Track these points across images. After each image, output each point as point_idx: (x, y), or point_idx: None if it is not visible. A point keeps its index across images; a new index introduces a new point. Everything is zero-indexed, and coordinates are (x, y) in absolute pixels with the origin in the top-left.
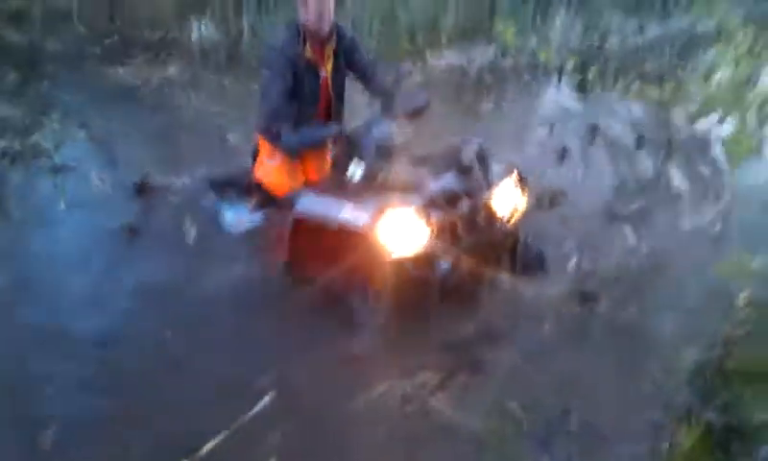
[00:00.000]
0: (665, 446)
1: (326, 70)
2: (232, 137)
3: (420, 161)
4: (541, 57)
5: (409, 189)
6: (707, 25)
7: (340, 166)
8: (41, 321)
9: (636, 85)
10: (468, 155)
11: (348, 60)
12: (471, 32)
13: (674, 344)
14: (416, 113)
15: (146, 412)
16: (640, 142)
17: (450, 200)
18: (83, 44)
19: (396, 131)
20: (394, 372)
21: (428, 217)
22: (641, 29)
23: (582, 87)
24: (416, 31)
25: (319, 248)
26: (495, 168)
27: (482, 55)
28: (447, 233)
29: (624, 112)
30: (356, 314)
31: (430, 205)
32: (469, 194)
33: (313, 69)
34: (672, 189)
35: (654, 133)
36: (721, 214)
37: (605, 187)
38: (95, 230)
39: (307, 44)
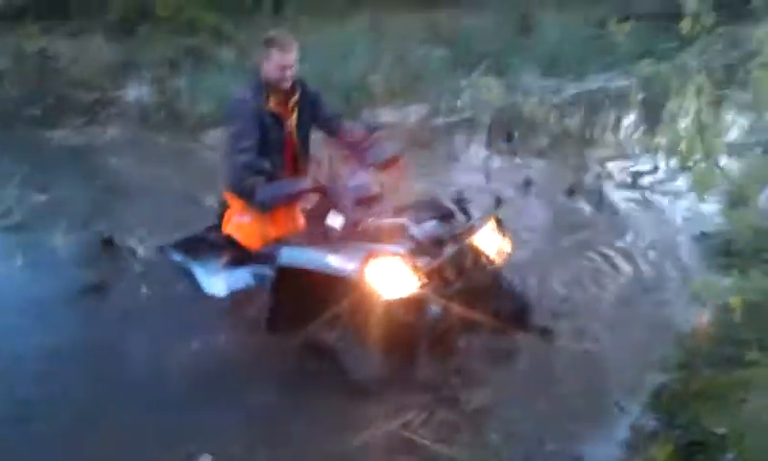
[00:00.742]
0: None
1: (291, 121)
2: (186, 197)
3: (400, 210)
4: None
5: (393, 236)
6: (619, 83)
7: (316, 218)
8: None
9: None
10: (448, 201)
11: (312, 112)
12: (402, 92)
13: (632, 370)
14: (389, 164)
15: None
16: (571, 192)
17: (436, 245)
18: (17, 106)
19: (372, 181)
20: (380, 412)
21: (416, 262)
22: (559, 89)
23: (510, 143)
24: (350, 91)
25: (304, 298)
26: (474, 214)
27: (415, 113)
28: (436, 278)
29: (549, 166)
30: (343, 361)
31: (417, 250)
32: (454, 238)
33: (278, 121)
34: (605, 227)
35: (581, 182)
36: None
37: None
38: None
39: (271, 97)
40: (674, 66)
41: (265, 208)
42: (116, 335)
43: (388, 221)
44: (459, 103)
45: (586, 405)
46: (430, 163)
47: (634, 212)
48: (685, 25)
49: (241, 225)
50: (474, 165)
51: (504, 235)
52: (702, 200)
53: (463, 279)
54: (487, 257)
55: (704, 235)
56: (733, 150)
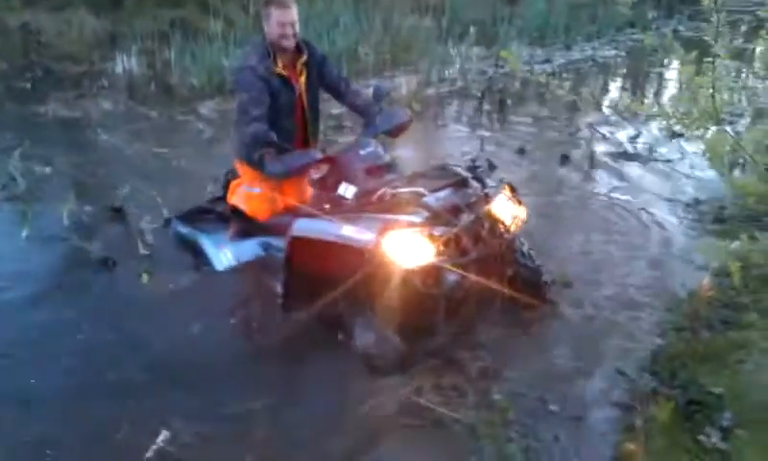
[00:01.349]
0: (639, 422)
1: (300, 84)
2: (185, 170)
3: (414, 178)
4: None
5: (408, 206)
6: (606, 52)
7: (326, 188)
8: None
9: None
10: (462, 169)
11: (320, 75)
12: (392, 63)
13: (630, 333)
14: (398, 130)
15: None
16: (565, 158)
17: (452, 213)
18: (6, 79)
19: (383, 150)
20: (389, 380)
21: (432, 232)
22: (548, 59)
23: (501, 113)
24: (339, 62)
25: (319, 269)
26: (489, 182)
27: (406, 84)
28: (453, 247)
29: (541, 134)
30: (357, 333)
31: (432, 219)
32: (470, 206)
33: (287, 84)
34: (598, 194)
35: (573, 149)
36: (648, 209)
37: (540, 195)
38: (69, 262)
39: (278, 59)
40: (660, 36)
41: (276, 179)
42: (123, 309)
43: (402, 190)
44: (449, 72)
45: (586, 368)
46: (423, 133)
47: (626, 179)
48: None
49: (250, 195)
50: (467, 134)
51: (518, 203)
52: (712, 166)
53: (479, 247)
54: (503, 225)
55: (697, 202)
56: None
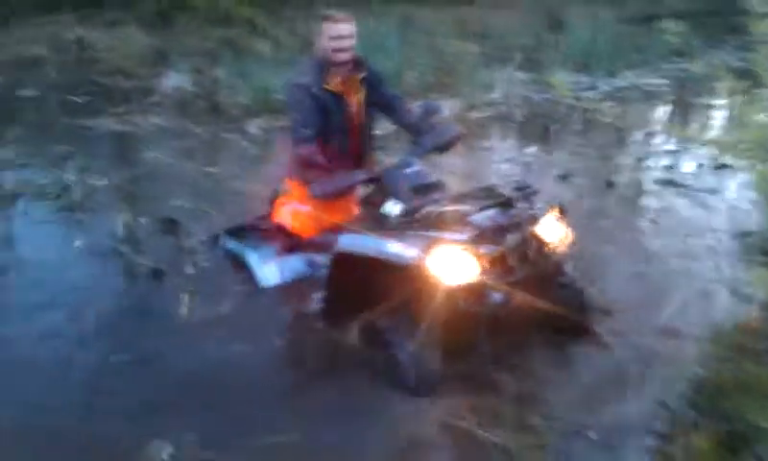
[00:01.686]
0: (679, 452)
1: (355, 101)
2: (233, 187)
3: (460, 198)
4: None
5: (454, 224)
6: (651, 80)
7: (373, 206)
8: None
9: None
10: (509, 189)
11: (376, 94)
12: (436, 87)
13: (674, 364)
14: (448, 146)
15: None
16: (609, 184)
17: (498, 233)
18: (59, 93)
19: (429, 168)
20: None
21: (478, 250)
22: (592, 87)
23: (545, 139)
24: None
25: (362, 285)
26: (536, 203)
27: (450, 108)
28: (498, 266)
29: (584, 160)
30: (399, 351)
31: (479, 238)
32: (516, 226)
33: (340, 101)
34: (644, 222)
35: (618, 177)
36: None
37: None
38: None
39: (331, 75)
40: (707, 65)
41: (320, 200)
42: (165, 325)
43: (448, 209)
44: (493, 97)
45: (626, 397)
46: (467, 157)
47: (671, 208)
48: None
49: (298, 213)
50: (510, 159)
51: (566, 225)
52: (766, 198)
53: (525, 267)
54: (549, 246)
55: (744, 233)
56: None
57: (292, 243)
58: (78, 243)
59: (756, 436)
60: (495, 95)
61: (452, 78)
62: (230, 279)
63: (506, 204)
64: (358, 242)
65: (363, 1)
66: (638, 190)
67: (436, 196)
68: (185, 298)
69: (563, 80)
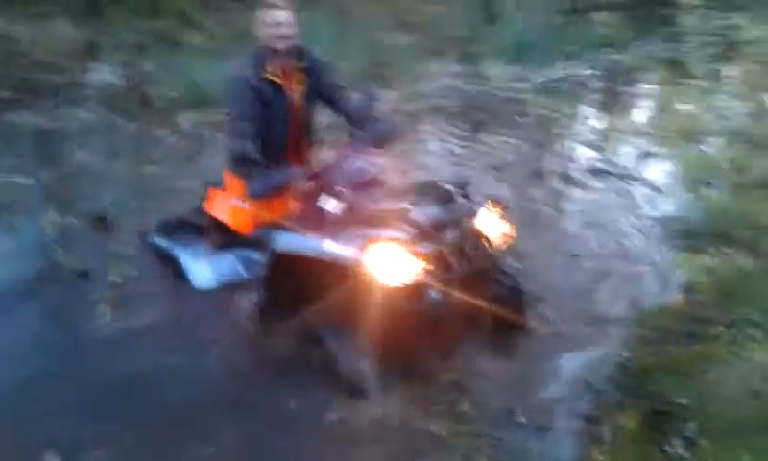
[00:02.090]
0: (606, 432)
1: (296, 91)
2: (165, 182)
3: (399, 193)
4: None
5: (392, 221)
6: (583, 72)
7: (311, 203)
8: None
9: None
10: (450, 183)
11: (316, 82)
12: (371, 78)
13: (599, 346)
14: (388, 141)
15: None
16: (540, 174)
17: (437, 229)
18: None
19: (369, 163)
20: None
21: (417, 248)
22: (524, 78)
23: (478, 130)
24: None
25: (299, 286)
26: (475, 197)
27: (385, 99)
28: (437, 263)
29: (516, 151)
30: (337, 352)
31: (417, 235)
32: (455, 223)
33: (281, 91)
34: (572, 209)
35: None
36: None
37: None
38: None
39: (270, 64)
40: (637, 56)
41: (256, 199)
42: (93, 329)
43: (387, 205)
44: (428, 89)
45: (555, 381)
46: (401, 149)
47: (599, 196)
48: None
49: (236, 209)
50: (444, 150)
51: (504, 219)
52: (692, 183)
53: (464, 264)
54: (488, 241)
55: (668, 219)
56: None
57: (226, 239)
58: (2, 245)
59: (677, 414)
60: (430, 87)
61: (388, 69)
62: (159, 281)
63: (445, 199)
64: (295, 242)
65: None
66: (569, 179)
67: (375, 192)
68: (110, 301)
69: (497, 72)
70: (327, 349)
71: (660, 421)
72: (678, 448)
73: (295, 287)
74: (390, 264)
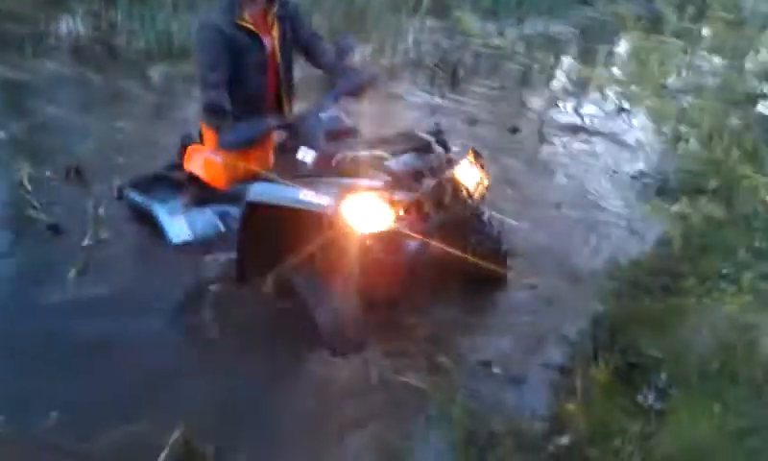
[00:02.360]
0: (579, 383)
1: (272, 38)
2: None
3: (375, 143)
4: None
5: (369, 170)
6: (558, 28)
7: (287, 154)
8: None
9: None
10: (425, 133)
11: (293, 30)
12: (345, 32)
13: (575, 300)
14: (364, 90)
15: None
16: (514, 130)
17: (414, 178)
18: None
19: (345, 113)
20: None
21: (393, 197)
22: (501, 32)
23: (454, 84)
24: None
25: (275, 237)
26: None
27: (359, 54)
28: (414, 213)
29: (493, 106)
30: (315, 304)
31: (394, 184)
32: (432, 172)
33: (256, 39)
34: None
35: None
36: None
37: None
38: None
39: (245, 11)
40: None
41: (228, 151)
42: (59, 288)
43: (363, 154)
44: (403, 43)
45: (529, 333)
46: (376, 103)
47: (574, 151)
48: None
49: (211, 162)
50: (420, 104)
51: (482, 169)
52: (665, 137)
53: (442, 213)
54: (466, 191)
55: (641, 173)
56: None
57: (204, 194)
58: None
59: (649, 366)
60: (405, 42)
61: (361, 23)
62: (134, 236)
63: (423, 149)
64: (270, 191)
65: None
66: (542, 134)
67: (351, 142)
68: (80, 258)
69: (472, 26)
70: (305, 301)
71: (632, 373)
72: (649, 398)
73: (270, 239)
74: (366, 213)
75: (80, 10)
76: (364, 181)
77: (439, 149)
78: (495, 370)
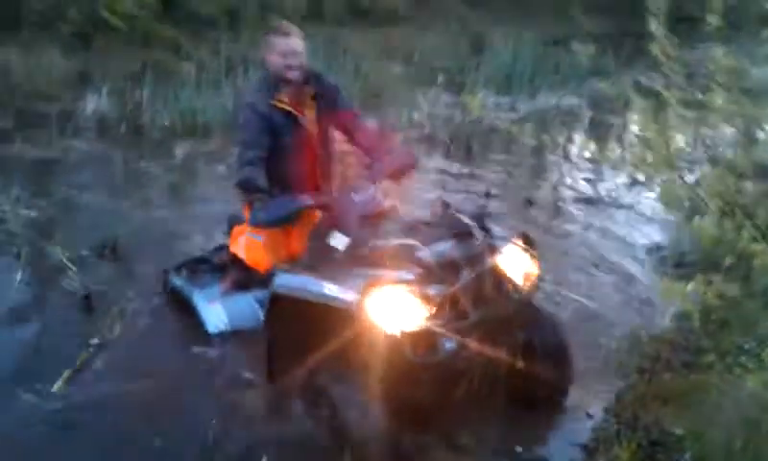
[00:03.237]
0: None
1: (308, 119)
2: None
3: (412, 229)
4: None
5: (402, 260)
6: (570, 101)
7: (320, 238)
8: None
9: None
10: (466, 218)
11: (328, 109)
12: (361, 107)
13: (596, 378)
14: (403, 173)
15: None
16: (529, 202)
17: (450, 269)
18: None
19: (380, 196)
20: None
21: (426, 291)
22: (513, 107)
23: (468, 158)
24: None
25: (301, 331)
26: (497, 232)
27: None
28: (449, 309)
29: (507, 179)
30: (340, 407)
31: (427, 276)
32: (472, 262)
33: (292, 119)
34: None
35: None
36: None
37: None
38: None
39: (281, 91)
40: (619, 85)
41: (260, 228)
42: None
43: (395, 242)
44: (417, 118)
45: (551, 411)
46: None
47: (589, 224)
48: (654, 49)
49: (252, 243)
50: (435, 179)
51: (532, 256)
52: (669, 212)
53: (483, 308)
54: (511, 283)
55: (658, 247)
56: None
57: (245, 278)
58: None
59: (672, 444)
60: (420, 116)
61: (377, 99)
62: (169, 324)
63: (462, 235)
64: (293, 282)
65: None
66: (556, 207)
67: (389, 227)
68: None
69: (484, 101)
70: (331, 402)
71: (655, 451)
72: None
73: (295, 332)
74: (393, 309)
75: (105, 89)
76: (393, 274)
77: (480, 235)
78: (518, 449)
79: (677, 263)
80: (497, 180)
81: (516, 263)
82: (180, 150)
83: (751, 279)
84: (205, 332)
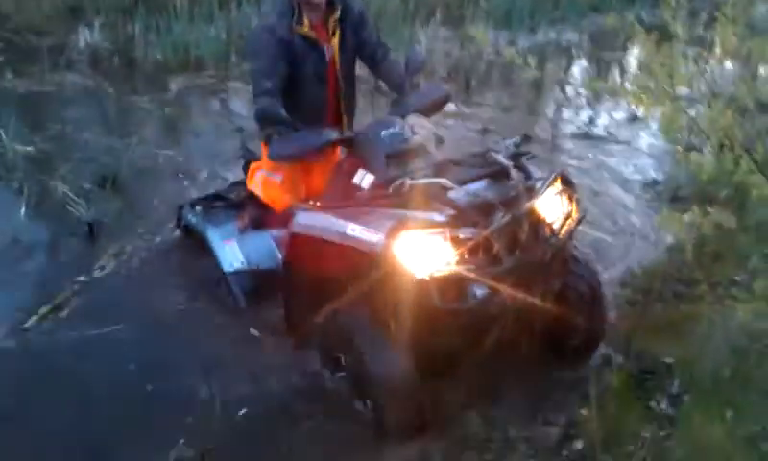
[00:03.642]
0: (593, 390)
1: (332, 47)
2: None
3: (443, 167)
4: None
5: (431, 200)
6: (569, 36)
7: (345, 176)
8: None
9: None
10: (502, 156)
11: (356, 37)
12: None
13: None
14: (434, 108)
15: None
16: (527, 138)
17: (483, 212)
18: None
19: (410, 131)
20: None
21: (457, 233)
22: (512, 42)
23: (466, 93)
24: None
25: (321, 275)
26: (535, 172)
27: None
28: (481, 253)
29: (504, 115)
30: (363, 359)
31: (458, 218)
32: (507, 203)
33: (315, 47)
34: None
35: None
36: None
37: None
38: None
39: (304, 17)
40: (621, 20)
41: (277, 162)
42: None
43: (424, 181)
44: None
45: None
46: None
47: (587, 159)
48: None
49: (269, 182)
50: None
51: (571, 199)
52: (668, 142)
53: (516, 254)
54: (549, 227)
55: (654, 182)
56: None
57: (262, 217)
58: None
59: (662, 372)
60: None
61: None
62: (170, 265)
63: (498, 175)
64: (315, 222)
65: None
66: (555, 143)
67: (418, 164)
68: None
69: (484, 35)
70: (352, 350)
71: (645, 379)
72: (662, 404)
73: (316, 276)
74: (421, 253)
75: (97, 22)
76: (422, 215)
77: (517, 175)
78: (510, 376)
79: (672, 197)
80: (495, 115)
81: (554, 206)
82: (174, 84)
83: (745, 212)
84: (208, 275)
